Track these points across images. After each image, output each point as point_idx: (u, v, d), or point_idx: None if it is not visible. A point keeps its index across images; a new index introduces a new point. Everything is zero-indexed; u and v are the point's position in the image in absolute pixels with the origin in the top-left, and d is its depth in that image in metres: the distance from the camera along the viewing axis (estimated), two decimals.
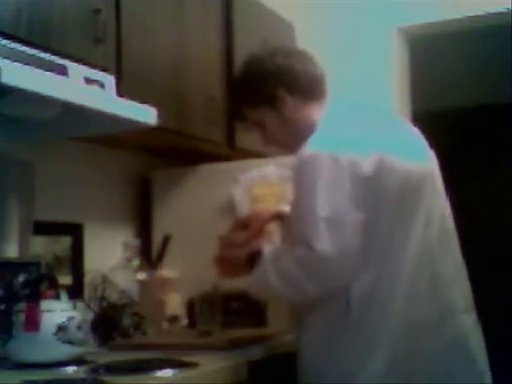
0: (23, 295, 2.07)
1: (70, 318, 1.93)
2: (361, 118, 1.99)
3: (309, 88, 2.04)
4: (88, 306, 2.29)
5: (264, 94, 2.03)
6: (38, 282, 2.07)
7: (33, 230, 2.39)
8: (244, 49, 2.75)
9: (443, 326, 1.87)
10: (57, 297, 1.99)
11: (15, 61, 1.82)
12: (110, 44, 2.25)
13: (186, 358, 1.94)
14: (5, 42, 1.85)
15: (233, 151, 2.90)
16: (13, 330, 1.93)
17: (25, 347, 1.90)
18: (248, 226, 2.08)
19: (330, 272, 1.79)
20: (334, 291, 1.82)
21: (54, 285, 2.05)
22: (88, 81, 2.07)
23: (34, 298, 1.98)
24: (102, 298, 2.40)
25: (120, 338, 2.37)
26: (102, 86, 2.12)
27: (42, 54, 1.96)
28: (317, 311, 1.87)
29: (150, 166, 2.98)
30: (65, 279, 2.47)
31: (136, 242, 2.73)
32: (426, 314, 1.85)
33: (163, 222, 2.89)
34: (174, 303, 2.65)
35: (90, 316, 2.21)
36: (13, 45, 1.87)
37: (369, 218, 1.79)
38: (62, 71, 1.99)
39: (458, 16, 3.52)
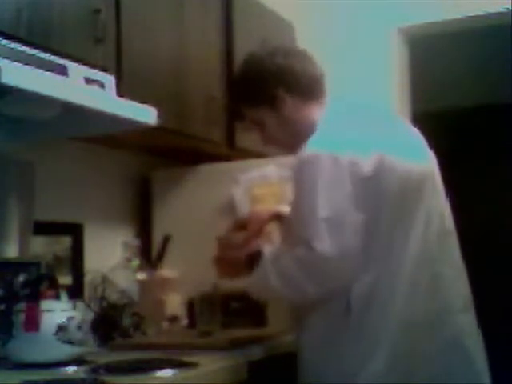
0: (23, 295, 2.07)
1: (70, 318, 1.93)
2: (361, 118, 1.99)
3: (308, 88, 2.04)
4: (88, 306, 2.29)
5: (264, 93, 2.03)
6: (38, 282, 2.07)
7: (33, 230, 2.39)
8: (244, 49, 2.75)
9: (442, 325, 1.87)
10: (57, 297, 1.99)
11: (15, 61, 1.82)
12: (110, 44, 2.25)
13: (186, 358, 1.94)
14: (5, 41, 1.85)
15: (233, 151, 2.90)
16: (13, 329, 1.93)
17: (25, 347, 1.90)
18: (247, 227, 2.08)
19: (330, 272, 1.79)
20: (335, 291, 1.82)
21: (53, 285, 2.05)
22: (88, 81, 2.07)
23: (34, 298, 1.98)
24: (102, 298, 2.40)
25: (120, 337, 2.37)
26: (102, 86, 2.12)
27: (42, 54, 1.96)
28: (317, 311, 1.87)
29: (150, 165, 2.98)
30: (65, 279, 2.47)
31: (136, 242, 2.73)
32: (425, 314, 1.85)
33: (163, 222, 2.89)
34: (174, 303, 2.65)
35: (90, 316, 2.21)
36: (13, 45, 1.87)
37: (369, 218, 1.79)
38: (62, 71, 1.99)
39: (458, 16, 3.52)
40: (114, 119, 2.12)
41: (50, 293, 2.00)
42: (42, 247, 2.46)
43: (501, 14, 3.44)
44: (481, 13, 3.47)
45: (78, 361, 1.93)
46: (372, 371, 1.79)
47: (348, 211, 1.78)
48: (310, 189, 1.81)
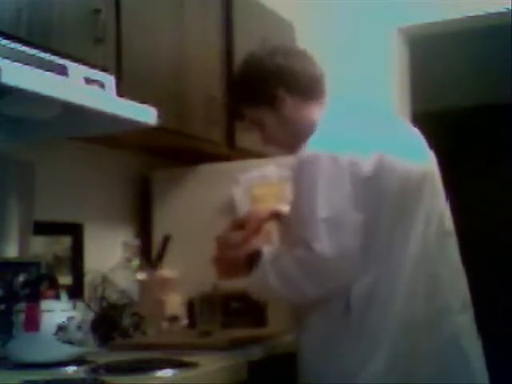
0: (23, 295, 2.07)
1: (70, 318, 1.94)
2: (361, 118, 1.99)
3: (308, 88, 2.04)
4: (88, 306, 2.29)
5: (263, 93, 2.03)
6: (38, 282, 2.07)
7: (33, 230, 2.39)
8: (244, 49, 2.75)
9: (441, 325, 1.87)
10: (57, 297, 1.99)
11: (15, 61, 1.82)
12: (110, 44, 2.25)
13: (186, 358, 1.94)
14: (5, 41, 1.85)
15: (233, 151, 2.90)
16: (13, 330, 1.93)
17: (25, 347, 1.90)
18: (245, 226, 2.08)
19: (330, 272, 1.79)
20: (334, 291, 1.82)
21: (54, 285, 2.05)
22: (88, 81, 2.07)
23: (34, 298, 1.98)
24: (102, 298, 2.40)
25: (120, 338, 2.37)
26: (102, 86, 2.12)
27: (42, 54, 1.96)
28: (317, 311, 1.87)
29: (150, 165, 2.98)
30: (65, 279, 2.47)
31: (136, 242, 2.73)
32: (424, 314, 1.85)
33: (163, 222, 2.89)
34: (174, 303, 2.65)
35: (90, 316, 2.21)
36: (13, 45, 1.87)
37: (369, 218, 1.79)
38: (62, 71, 1.99)
39: (458, 16, 3.52)
40: (113, 119, 2.12)
41: (50, 293, 2.00)
42: (42, 247, 2.46)
43: (501, 13, 3.44)
44: (481, 13, 3.47)
45: (77, 361, 1.93)
46: (372, 371, 1.79)
47: (347, 211, 1.78)
48: (309, 189, 1.80)
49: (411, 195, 1.88)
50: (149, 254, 2.81)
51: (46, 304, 1.94)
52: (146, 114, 2.20)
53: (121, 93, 2.20)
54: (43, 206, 2.44)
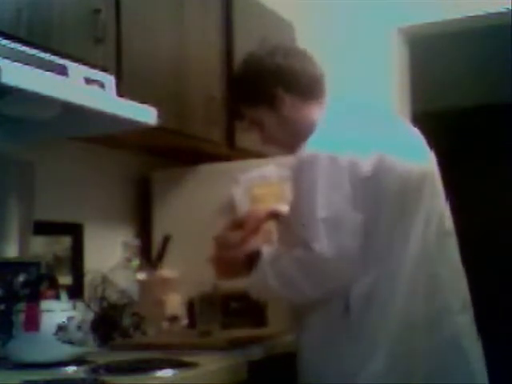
0: (23, 295, 2.07)
1: (70, 318, 1.93)
2: (361, 118, 1.99)
3: (308, 88, 2.03)
4: (88, 306, 2.28)
5: (263, 93, 2.03)
6: (38, 282, 2.07)
7: (33, 230, 2.39)
8: (244, 49, 2.74)
9: (441, 325, 1.87)
10: (57, 297, 1.99)
11: (15, 61, 1.82)
12: (110, 44, 2.25)
13: (186, 358, 1.94)
14: (5, 41, 1.85)
15: (233, 151, 2.91)
16: (13, 330, 1.92)
17: (25, 347, 1.90)
18: (244, 226, 2.07)
19: (329, 273, 1.78)
20: (334, 292, 1.81)
21: (54, 285, 2.05)
22: (88, 81, 2.07)
23: (34, 298, 1.98)
24: (102, 298, 2.40)
25: (120, 338, 2.37)
26: (102, 86, 2.12)
27: (42, 54, 1.96)
28: (317, 311, 1.87)
29: (150, 165, 2.98)
30: (65, 279, 2.47)
31: (136, 242, 2.73)
32: (424, 314, 1.85)
33: (163, 222, 2.89)
34: (174, 303, 2.65)
35: (90, 316, 2.21)
36: (13, 45, 1.87)
37: (368, 218, 1.79)
38: (62, 71, 1.99)
39: (458, 16, 3.52)
40: (114, 119, 2.12)
41: (50, 293, 2.00)
42: (42, 247, 2.46)
43: (501, 13, 3.44)
44: (481, 13, 3.47)
45: (77, 361, 1.93)
46: (372, 371, 1.79)
47: (347, 211, 1.78)
48: (308, 189, 1.80)
49: (411, 195, 1.88)
50: (149, 254, 2.81)
51: (45, 304, 1.94)
52: (146, 114, 2.20)
53: (121, 93, 2.20)
54: (43, 205, 2.44)
